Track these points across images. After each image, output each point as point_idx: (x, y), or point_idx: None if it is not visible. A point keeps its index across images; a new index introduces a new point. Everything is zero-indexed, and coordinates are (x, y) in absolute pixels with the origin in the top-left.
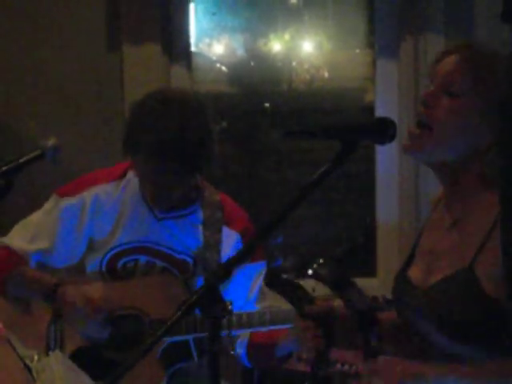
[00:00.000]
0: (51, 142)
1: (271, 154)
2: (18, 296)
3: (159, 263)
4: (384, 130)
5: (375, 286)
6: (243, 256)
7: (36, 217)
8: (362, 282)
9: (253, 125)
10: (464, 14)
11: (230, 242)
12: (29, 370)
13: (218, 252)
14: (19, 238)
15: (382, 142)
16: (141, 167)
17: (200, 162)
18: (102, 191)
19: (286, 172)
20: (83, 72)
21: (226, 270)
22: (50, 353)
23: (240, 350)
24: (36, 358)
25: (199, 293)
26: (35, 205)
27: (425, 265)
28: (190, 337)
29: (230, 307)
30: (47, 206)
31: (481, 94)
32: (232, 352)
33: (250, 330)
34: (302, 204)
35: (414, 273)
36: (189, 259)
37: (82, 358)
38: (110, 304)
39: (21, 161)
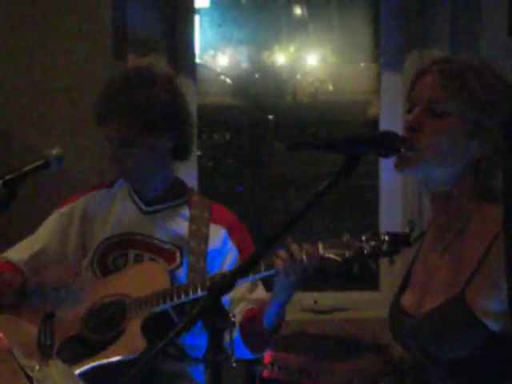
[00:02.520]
0: (55, 151)
1: (275, 167)
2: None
3: (147, 255)
4: (388, 144)
5: (378, 299)
6: (245, 268)
7: (36, 232)
8: (364, 296)
9: (256, 137)
10: (469, 28)
11: (216, 236)
12: (30, 380)
13: (206, 242)
14: (17, 251)
15: (386, 156)
16: (105, 132)
17: (156, 125)
18: (91, 197)
19: (288, 184)
20: (89, 83)
21: (229, 281)
22: (51, 362)
23: (234, 333)
24: (37, 368)
25: (202, 304)
26: (39, 214)
27: (418, 292)
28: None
29: (232, 319)
30: (45, 222)
31: (466, 111)
32: (233, 363)
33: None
34: (305, 217)
35: (408, 300)
36: (175, 249)
37: (71, 346)
38: (91, 298)
39: (24, 170)
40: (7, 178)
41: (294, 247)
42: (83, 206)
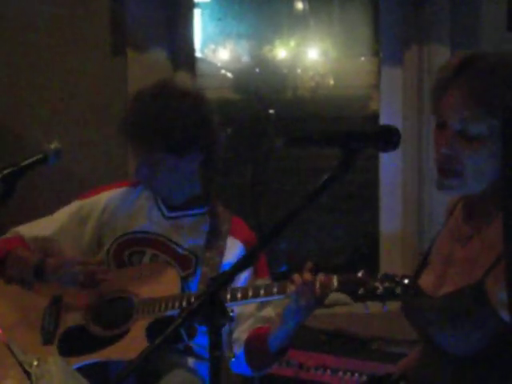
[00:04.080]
0: (54, 146)
1: (276, 161)
2: (14, 276)
3: (163, 257)
4: (387, 138)
5: None
6: (244, 263)
7: (55, 213)
8: None
9: (257, 131)
10: (469, 23)
11: (233, 250)
12: (28, 375)
13: (221, 254)
14: (30, 229)
15: (386, 150)
16: (132, 147)
17: (181, 147)
18: (116, 194)
19: (291, 179)
20: (88, 77)
21: (227, 276)
22: (50, 358)
23: (239, 349)
24: (35, 363)
25: (201, 299)
26: (38, 209)
27: (437, 274)
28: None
29: (231, 314)
30: (66, 206)
31: (498, 129)
32: (231, 358)
33: (247, 302)
34: (304, 212)
35: (426, 281)
36: (191, 256)
37: (73, 336)
38: (100, 289)
39: (23, 164)
40: (5, 172)
41: (309, 277)
42: (106, 200)
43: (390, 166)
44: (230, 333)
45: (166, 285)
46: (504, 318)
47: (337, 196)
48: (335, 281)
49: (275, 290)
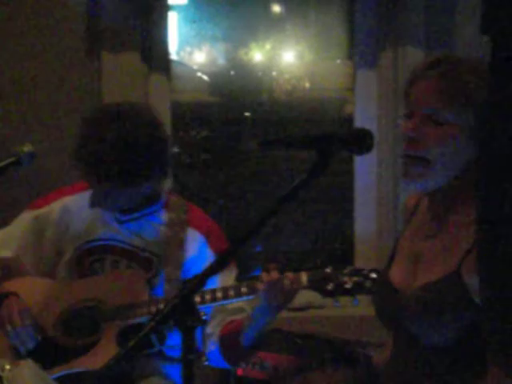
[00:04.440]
0: (26, 148)
1: (252, 163)
2: None
3: (124, 262)
4: (361, 141)
5: None
6: (217, 266)
7: (7, 228)
8: None
9: (233, 134)
10: (444, 26)
11: (194, 242)
12: (0, 379)
13: (182, 250)
14: None
15: (360, 153)
16: (83, 176)
17: (140, 172)
18: (70, 201)
19: (266, 181)
20: (62, 80)
21: (200, 280)
22: (22, 362)
23: (213, 346)
24: (8, 367)
25: (173, 303)
26: (12, 210)
27: (408, 269)
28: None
29: (203, 317)
30: (18, 218)
31: (465, 117)
32: (204, 361)
33: (217, 304)
34: (278, 215)
35: (396, 276)
36: (152, 257)
37: (42, 349)
38: (66, 299)
39: None
40: None
41: (276, 275)
42: (60, 209)
43: (365, 167)
44: (204, 330)
45: (133, 290)
46: (479, 305)
47: (312, 197)
48: (304, 277)
49: (244, 290)
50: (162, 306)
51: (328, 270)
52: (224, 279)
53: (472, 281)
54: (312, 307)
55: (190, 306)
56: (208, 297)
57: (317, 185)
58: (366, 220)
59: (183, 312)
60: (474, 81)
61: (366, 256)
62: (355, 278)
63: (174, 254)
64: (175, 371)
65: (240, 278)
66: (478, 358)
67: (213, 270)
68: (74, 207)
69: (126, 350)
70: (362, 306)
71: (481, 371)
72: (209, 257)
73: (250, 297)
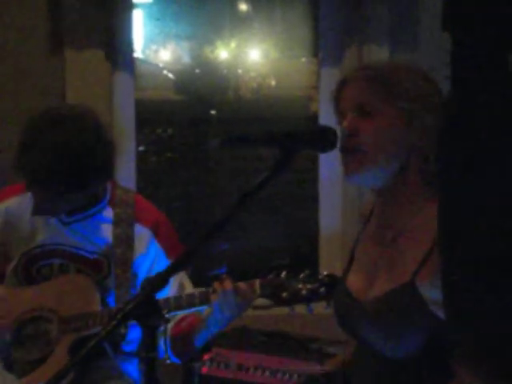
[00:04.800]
0: None
1: (217, 162)
2: None
3: (73, 266)
4: (324, 138)
5: None
6: (180, 264)
7: None
8: None
9: (199, 132)
10: (408, 24)
11: (142, 237)
12: None
13: (131, 248)
14: None
15: (323, 150)
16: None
17: (80, 179)
18: (12, 203)
19: (230, 180)
20: (24, 77)
21: (162, 278)
22: None
23: (164, 346)
24: None
25: (135, 302)
26: None
27: (364, 277)
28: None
29: (166, 316)
30: None
31: (395, 104)
32: (167, 360)
33: (170, 314)
34: (241, 213)
35: (354, 285)
36: (102, 258)
37: None
38: (18, 308)
39: None
40: None
41: (229, 285)
42: (5, 213)
43: (330, 165)
44: (165, 331)
45: (83, 297)
46: (438, 316)
47: (277, 196)
48: (257, 286)
49: (197, 300)
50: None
51: (282, 277)
52: (178, 277)
53: (428, 291)
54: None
55: (152, 304)
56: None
57: (284, 182)
58: (330, 218)
59: (146, 310)
60: (401, 76)
61: (330, 254)
62: (310, 285)
63: (123, 254)
64: (131, 368)
65: (205, 276)
66: (440, 370)
67: (176, 268)
68: (18, 210)
69: (77, 358)
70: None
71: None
72: (156, 252)
73: (203, 307)
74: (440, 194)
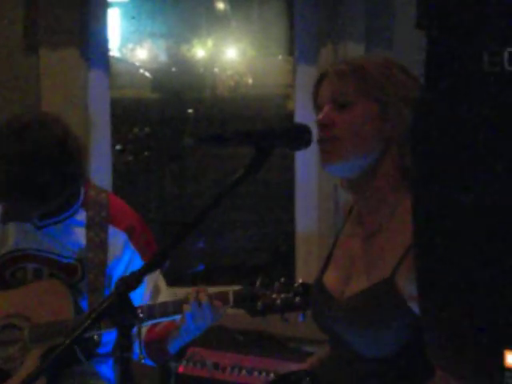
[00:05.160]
0: None
1: (194, 160)
2: None
3: (47, 270)
4: (298, 137)
5: None
6: (154, 264)
7: None
8: None
9: (176, 131)
10: (384, 22)
11: (116, 240)
12: None
13: (105, 252)
14: None
15: (297, 149)
16: None
17: (45, 189)
18: None
19: (207, 178)
20: (0, 75)
21: (137, 277)
22: None
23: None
24: None
25: (109, 301)
26: None
27: (342, 274)
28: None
29: (140, 315)
30: None
31: (369, 95)
32: (142, 359)
33: (143, 324)
34: (215, 210)
35: (331, 282)
36: (75, 262)
37: None
38: None
39: None
40: None
41: (203, 297)
42: None
43: (306, 164)
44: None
45: (56, 304)
46: (416, 313)
47: (254, 195)
48: (231, 297)
49: (170, 310)
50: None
51: (257, 286)
52: (153, 279)
53: (408, 288)
54: None
55: (126, 303)
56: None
57: (261, 181)
58: (307, 218)
59: (120, 309)
60: (375, 69)
61: (307, 254)
62: (284, 295)
63: (96, 258)
64: (105, 369)
65: (182, 274)
66: (420, 370)
67: (150, 267)
68: None
69: (48, 362)
70: None
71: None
72: (132, 255)
73: (176, 316)
74: (412, 192)
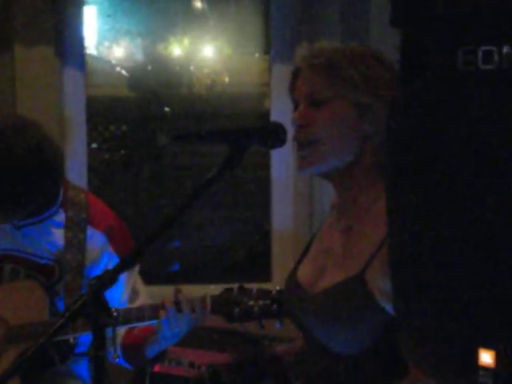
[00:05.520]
0: None
1: (171, 158)
2: None
3: (23, 270)
4: (273, 135)
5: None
6: (128, 262)
7: None
8: (256, 287)
9: (152, 129)
10: (359, 20)
11: (95, 242)
12: None
13: (83, 253)
14: None
15: (272, 147)
16: None
17: (20, 199)
18: None
19: (185, 177)
20: None
21: (111, 276)
22: None
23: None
24: None
25: (83, 300)
26: None
27: (315, 267)
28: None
29: (115, 314)
30: None
31: (344, 93)
32: (116, 359)
33: (119, 327)
34: (190, 209)
35: (304, 275)
36: (53, 264)
37: None
38: None
39: None
40: None
41: (181, 301)
42: None
43: (282, 163)
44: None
45: (32, 305)
46: (388, 311)
47: (230, 193)
48: (208, 303)
49: (146, 315)
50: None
51: (235, 292)
52: (131, 281)
53: (378, 285)
54: None
55: (101, 302)
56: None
57: (237, 179)
58: (283, 216)
59: (94, 308)
60: (348, 62)
61: (283, 252)
62: (262, 302)
63: (74, 259)
64: (80, 368)
65: (158, 273)
66: (394, 367)
67: (124, 266)
68: None
69: (26, 358)
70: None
71: (396, 380)
72: (110, 257)
73: (153, 322)
74: (386, 189)
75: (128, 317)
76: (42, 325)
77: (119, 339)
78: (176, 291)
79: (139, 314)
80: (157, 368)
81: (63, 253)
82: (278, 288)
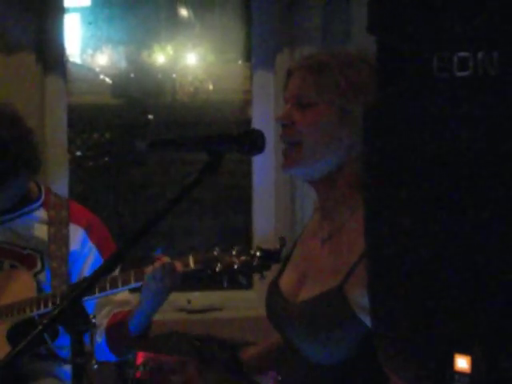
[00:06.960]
0: None
1: (154, 166)
2: None
3: (7, 262)
4: (251, 142)
5: (252, 298)
6: (106, 268)
7: None
8: (238, 295)
9: (136, 137)
10: (340, 27)
11: (76, 237)
12: None
13: (66, 245)
14: None
15: (251, 154)
16: None
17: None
18: None
19: (168, 184)
20: None
21: (90, 282)
22: None
23: (100, 338)
24: None
25: (61, 307)
26: None
27: (296, 278)
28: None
29: (93, 320)
30: None
31: (329, 99)
32: (94, 365)
33: (107, 293)
34: (169, 215)
35: (285, 284)
36: (35, 254)
37: None
38: None
39: None
40: None
41: (164, 259)
42: None
43: (263, 169)
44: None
45: (21, 289)
46: (366, 324)
47: (212, 199)
48: (191, 260)
49: (132, 276)
50: (50, 302)
51: (215, 252)
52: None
53: (356, 297)
54: (211, 309)
55: (79, 309)
56: (96, 288)
57: (218, 185)
58: (264, 221)
59: (72, 315)
60: (338, 67)
61: None
62: (243, 257)
63: (58, 250)
64: (66, 373)
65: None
66: (373, 376)
67: (102, 272)
68: None
69: (18, 349)
70: (262, 308)
71: None
72: (90, 249)
73: (138, 284)
74: (363, 197)
75: (115, 282)
76: (30, 301)
77: (104, 324)
78: (159, 256)
79: (125, 278)
80: (138, 375)
81: (47, 245)
82: (256, 246)
